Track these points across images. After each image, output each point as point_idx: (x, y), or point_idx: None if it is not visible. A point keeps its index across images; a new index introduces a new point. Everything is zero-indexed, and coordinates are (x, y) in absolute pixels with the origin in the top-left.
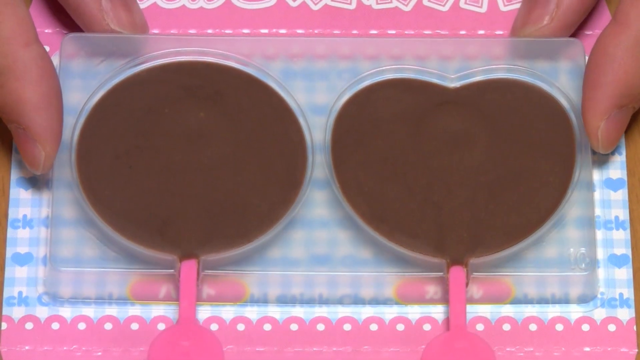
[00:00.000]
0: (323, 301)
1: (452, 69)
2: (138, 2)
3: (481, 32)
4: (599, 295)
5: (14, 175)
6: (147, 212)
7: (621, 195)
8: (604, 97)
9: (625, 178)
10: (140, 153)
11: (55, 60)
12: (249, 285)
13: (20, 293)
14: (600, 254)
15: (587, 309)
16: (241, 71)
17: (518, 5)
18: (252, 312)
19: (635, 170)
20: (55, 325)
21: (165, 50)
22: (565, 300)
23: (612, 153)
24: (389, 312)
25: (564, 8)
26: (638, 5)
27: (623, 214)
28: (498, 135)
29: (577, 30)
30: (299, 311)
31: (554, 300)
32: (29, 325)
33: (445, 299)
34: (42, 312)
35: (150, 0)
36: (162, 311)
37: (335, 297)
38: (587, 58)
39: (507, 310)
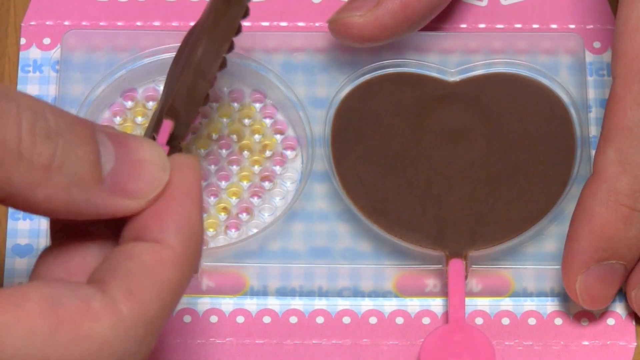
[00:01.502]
0: (322, 294)
1: (453, 62)
2: None
3: (482, 25)
4: None
5: None
6: None
7: None
8: (580, 250)
9: None
10: None
11: (57, 53)
12: (249, 278)
13: (20, 285)
14: None
15: None
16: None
17: (520, 0)
18: (252, 305)
19: None
20: None
21: (167, 45)
22: (564, 294)
23: None
24: (388, 305)
25: (382, 8)
26: (607, 153)
27: None
28: (498, 129)
29: (577, 24)
30: (298, 304)
31: (553, 294)
32: None
33: (444, 292)
34: None
35: None
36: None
37: (334, 290)
38: (587, 52)
39: (506, 303)
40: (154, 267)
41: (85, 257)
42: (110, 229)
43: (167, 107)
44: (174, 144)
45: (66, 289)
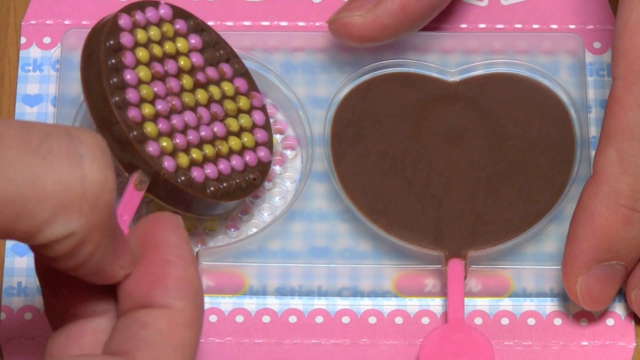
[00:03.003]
0: (322, 293)
1: (453, 63)
2: None
3: (482, 25)
4: None
5: None
6: None
7: None
8: (580, 251)
9: None
10: None
11: (57, 52)
12: (248, 277)
13: (19, 283)
14: None
15: None
16: None
17: (520, 0)
18: (251, 304)
19: None
20: None
21: None
22: (563, 295)
23: None
24: (388, 305)
25: (382, 8)
26: (607, 154)
27: None
28: (498, 130)
29: (577, 24)
30: (297, 303)
31: (553, 295)
32: (27, 316)
33: (443, 292)
34: (41, 303)
35: None
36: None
37: (334, 290)
38: (587, 53)
39: (506, 304)
40: (171, 333)
41: (95, 332)
42: (109, 302)
43: (121, 167)
44: (159, 179)
45: None
